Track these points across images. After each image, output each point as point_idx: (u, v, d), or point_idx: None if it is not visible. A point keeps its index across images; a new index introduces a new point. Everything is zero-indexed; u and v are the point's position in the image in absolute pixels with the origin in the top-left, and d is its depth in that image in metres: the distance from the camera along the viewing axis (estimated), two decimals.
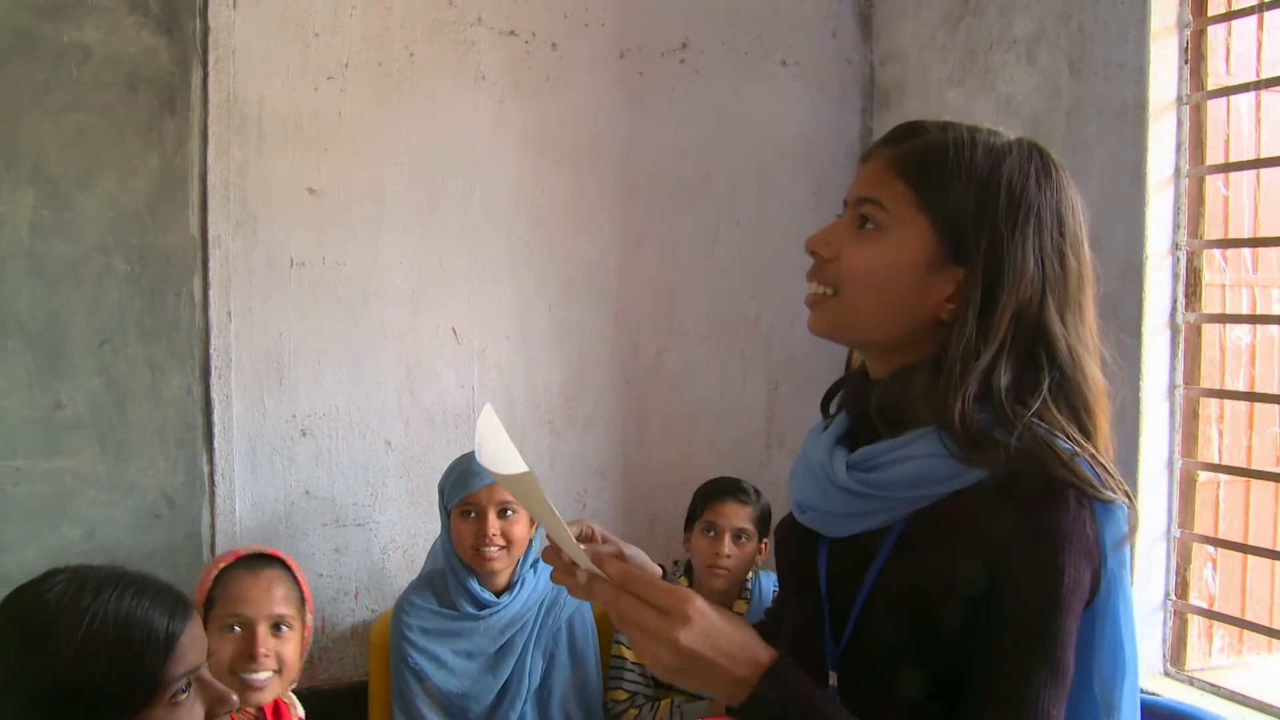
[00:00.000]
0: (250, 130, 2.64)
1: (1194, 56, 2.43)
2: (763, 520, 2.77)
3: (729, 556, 2.68)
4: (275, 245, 2.68)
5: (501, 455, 1.06)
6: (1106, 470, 1.11)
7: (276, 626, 2.04)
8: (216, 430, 2.64)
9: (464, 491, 2.46)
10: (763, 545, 2.78)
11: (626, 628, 1.04)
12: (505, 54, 2.89)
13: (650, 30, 3.06)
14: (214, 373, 2.63)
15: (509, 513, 2.45)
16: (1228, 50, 2.45)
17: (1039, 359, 1.14)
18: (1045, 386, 1.12)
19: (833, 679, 1.20)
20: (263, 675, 1.98)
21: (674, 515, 3.04)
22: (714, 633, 1.01)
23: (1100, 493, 1.08)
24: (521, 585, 2.52)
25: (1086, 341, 1.17)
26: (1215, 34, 2.43)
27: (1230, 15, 2.40)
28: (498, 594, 2.51)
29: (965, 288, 1.14)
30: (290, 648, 2.06)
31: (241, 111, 2.63)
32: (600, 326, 3.07)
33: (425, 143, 2.81)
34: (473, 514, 2.45)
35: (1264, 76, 2.42)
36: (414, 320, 2.85)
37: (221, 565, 2.09)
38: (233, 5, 2.60)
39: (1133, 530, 1.12)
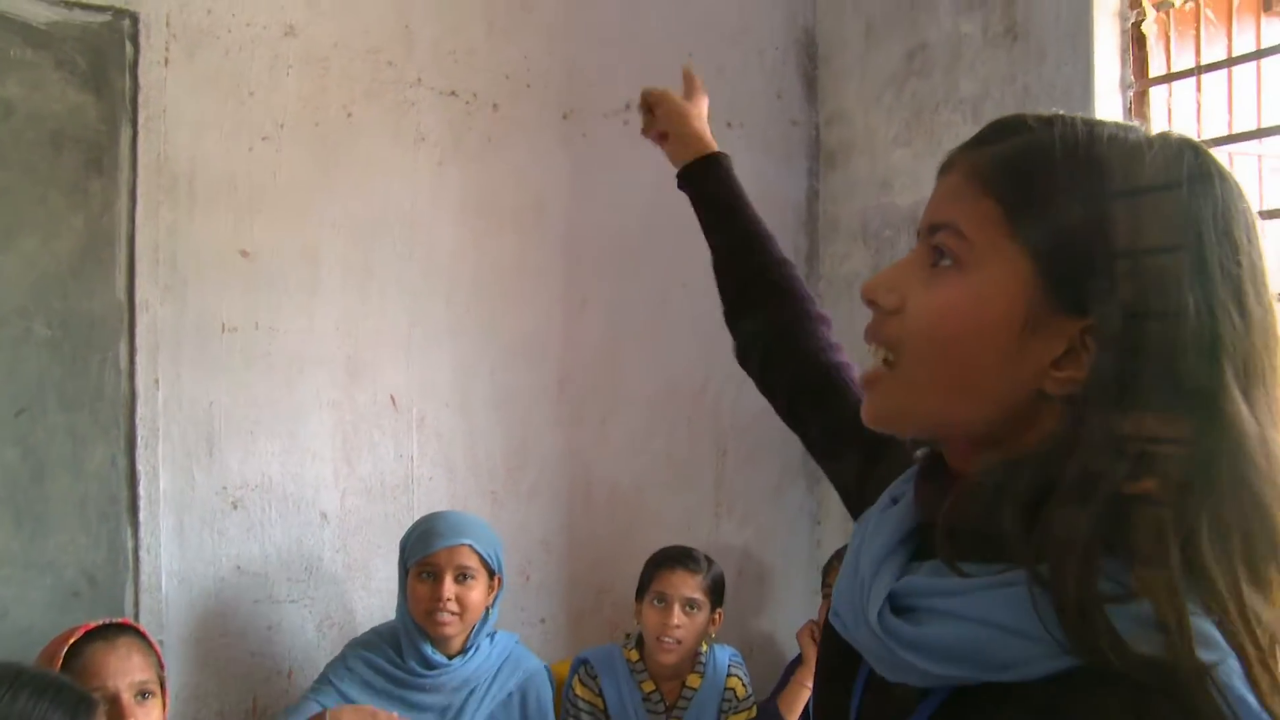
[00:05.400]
0: (181, 191, 2.55)
1: (1136, 117, 2.46)
2: (714, 589, 2.70)
3: (679, 627, 2.61)
4: (206, 310, 2.58)
5: None
6: (1276, 692, 0.71)
7: (141, 695, 2.02)
8: (142, 503, 2.52)
9: (423, 552, 2.42)
10: (715, 616, 2.71)
11: None
12: (445, 115, 2.84)
13: (593, 91, 3.03)
14: (140, 443, 2.51)
15: (467, 578, 2.42)
16: (1169, 111, 2.48)
17: (1209, 467, 0.73)
18: (1214, 520, 0.73)
19: None
20: None
21: (621, 587, 2.96)
22: None
23: None
24: (475, 652, 2.47)
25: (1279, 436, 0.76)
26: (1157, 95, 2.46)
27: (1170, 77, 2.44)
28: (450, 658, 2.46)
29: (1088, 351, 0.77)
30: (155, 717, 2.06)
31: (172, 172, 2.54)
32: (543, 393, 3.00)
33: (363, 205, 2.75)
34: (430, 576, 2.41)
35: (1204, 138, 2.44)
36: (350, 388, 2.75)
37: (71, 640, 2.04)
38: (164, 63, 2.53)
39: None
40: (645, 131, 1.61)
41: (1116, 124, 0.83)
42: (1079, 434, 0.76)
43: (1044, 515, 0.74)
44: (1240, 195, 0.80)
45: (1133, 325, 0.75)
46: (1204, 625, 0.70)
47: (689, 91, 1.61)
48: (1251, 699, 0.69)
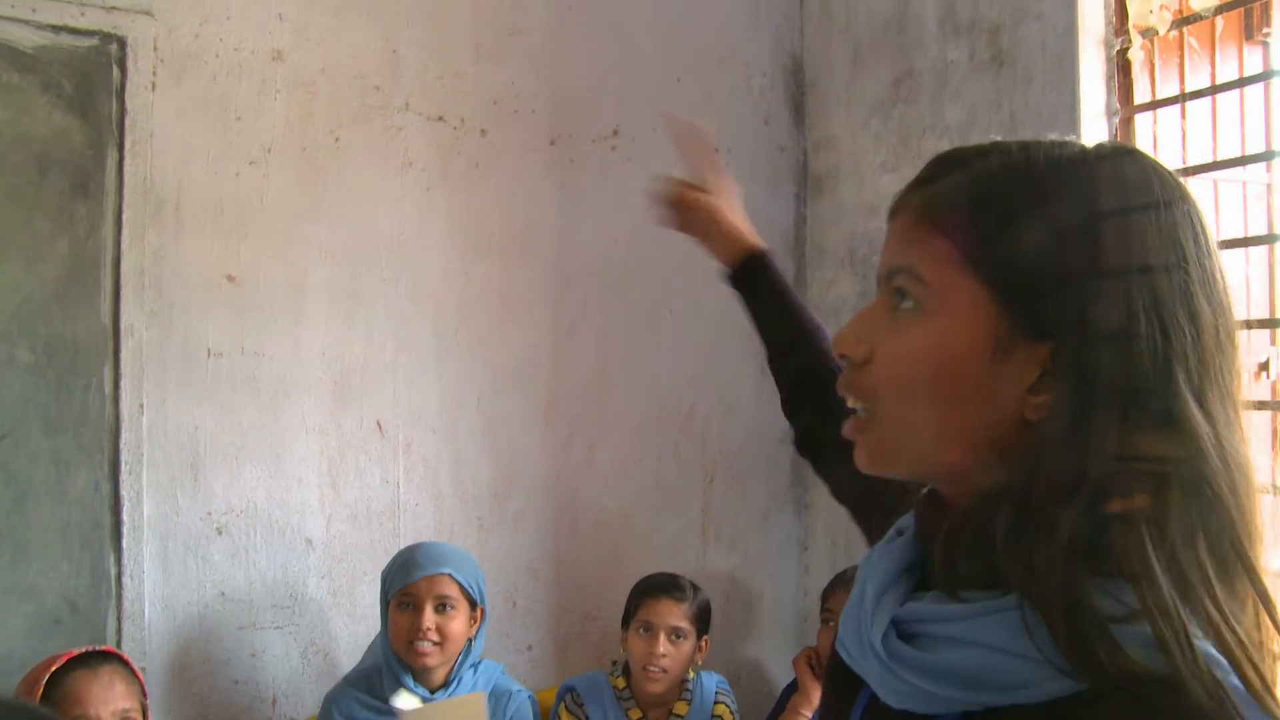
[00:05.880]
0: (167, 215, 2.54)
1: (1122, 142, 2.45)
2: (701, 617, 2.68)
3: (665, 656, 2.59)
4: (191, 334, 2.57)
5: None
6: (1269, 691, 0.71)
7: None
8: (125, 529, 2.49)
9: (403, 581, 2.40)
10: (702, 643, 2.69)
11: None
12: (433, 140, 2.84)
13: (581, 117, 3.03)
14: (124, 468, 2.49)
15: (447, 607, 2.39)
16: (1154, 138, 2.48)
17: (1174, 475, 0.74)
18: (1185, 525, 0.73)
19: None
20: None
21: (608, 613, 2.94)
22: None
23: None
24: (459, 685, 2.43)
25: (1237, 430, 0.77)
26: (1142, 122, 2.46)
27: (1155, 104, 2.44)
28: (432, 692, 2.42)
29: (1056, 371, 0.77)
30: None
31: (158, 196, 2.53)
32: (530, 419, 2.98)
33: (350, 230, 2.74)
34: (410, 606, 2.39)
35: (1188, 164, 2.44)
36: (337, 413, 2.74)
37: (53, 668, 2.03)
38: (151, 87, 2.52)
39: None
40: (676, 227, 1.53)
41: (1052, 142, 0.83)
42: (1049, 456, 0.76)
43: (1027, 539, 0.75)
44: (1183, 196, 0.80)
45: (1088, 342, 0.76)
46: (1208, 647, 0.71)
47: (715, 177, 1.51)
48: (1257, 710, 0.69)
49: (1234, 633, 0.71)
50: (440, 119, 2.85)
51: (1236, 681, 0.70)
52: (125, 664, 2.14)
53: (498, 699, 2.47)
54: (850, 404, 0.88)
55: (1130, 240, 0.77)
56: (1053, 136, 0.84)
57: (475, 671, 2.49)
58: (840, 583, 2.70)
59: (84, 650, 2.11)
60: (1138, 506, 0.73)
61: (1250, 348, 2.55)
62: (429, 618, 2.37)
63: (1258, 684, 0.70)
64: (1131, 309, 0.75)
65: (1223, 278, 0.79)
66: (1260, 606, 0.75)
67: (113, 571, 2.48)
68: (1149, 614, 0.70)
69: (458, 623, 2.41)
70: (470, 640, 2.46)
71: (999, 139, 0.86)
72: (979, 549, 0.78)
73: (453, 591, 2.41)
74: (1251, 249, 2.47)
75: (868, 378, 0.85)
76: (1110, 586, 0.72)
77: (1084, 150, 0.82)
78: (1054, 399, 0.77)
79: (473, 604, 2.45)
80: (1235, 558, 0.74)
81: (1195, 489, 0.74)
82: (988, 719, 0.75)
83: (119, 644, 2.47)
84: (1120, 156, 0.81)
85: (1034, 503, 0.75)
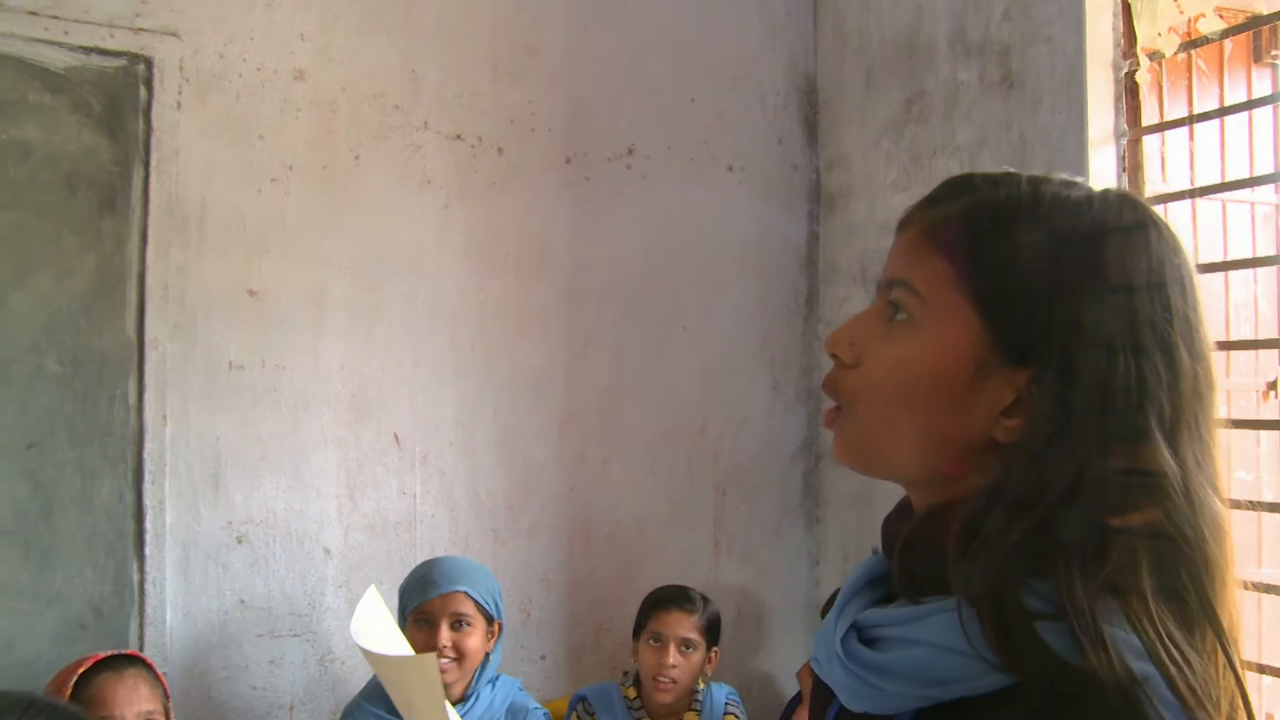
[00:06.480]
0: (191, 231, 2.60)
1: (1131, 165, 2.47)
2: (710, 629, 2.71)
3: (675, 667, 2.62)
4: (214, 348, 2.63)
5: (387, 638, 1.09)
6: (1200, 702, 0.75)
7: None
8: (148, 537, 2.55)
9: (420, 599, 2.42)
10: (712, 655, 2.71)
11: None
12: (451, 158, 2.89)
13: (597, 135, 3.08)
14: (147, 478, 2.55)
15: (463, 624, 2.41)
16: (1162, 159, 2.50)
17: (1131, 505, 0.79)
18: (1134, 552, 0.77)
19: None
20: None
21: (620, 625, 2.97)
22: None
23: None
24: (476, 700, 2.44)
25: (1209, 474, 0.82)
26: (1150, 143, 2.48)
27: (1163, 126, 2.46)
28: (451, 706, 2.42)
29: (1031, 399, 0.82)
30: None
31: (183, 212, 2.59)
32: (545, 433, 3.02)
33: (369, 246, 2.79)
34: (426, 624, 2.40)
35: (1197, 185, 2.46)
36: (355, 425, 2.79)
37: (80, 670, 2.09)
38: (177, 106, 2.58)
39: None
40: None
41: (1062, 181, 0.87)
42: (1012, 477, 0.80)
43: (975, 547, 0.79)
44: (1176, 250, 0.84)
45: (1067, 376, 0.80)
46: (1133, 640, 0.75)
47: None
48: (1179, 709, 0.73)
49: (1169, 650, 0.75)
50: (458, 137, 2.90)
51: (1162, 683, 0.73)
52: (149, 667, 2.20)
53: (514, 715, 2.49)
54: (831, 402, 0.92)
55: (1117, 285, 0.81)
56: (1064, 175, 0.88)
57: (493, 687, 2.49)
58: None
59: (110, 654, 2.17)
60: (1087, 526, 0.77)
61: (1258, 367, 2.57)
62: (445, 635, 2.38)
63: (1188, 698, 0.74)
64: (1111, 348, 0.80)
65: (1207, 333, 0.84)
66: (1219, 644, 0.78)
67: (136, 579, 2.54)
68: (1063, 610, 0.75)
69: (474, 639, 2.41)
70: (488, 654, 2.47)
71: (1011, 169, 0.90)
72: (932, 555, 0.82)
73: (468, 609, 2.41)
74: (1260, 269, 2.50)
75: (853, 380, 0.90)
76: (1041, 588, 0.76)
77: (1089, 194, 0.86)
78: (1025, 423, 0.82)
79: (489, 619, 2.46)
80: (1192, 594, 0.78)
81: (1155, 524, 0.78)
82: (938, 715, 0.79)
83: (141, 649, 2.52)
84: (1122, 205, 0.86)
85: (990, 517, 0.79)
